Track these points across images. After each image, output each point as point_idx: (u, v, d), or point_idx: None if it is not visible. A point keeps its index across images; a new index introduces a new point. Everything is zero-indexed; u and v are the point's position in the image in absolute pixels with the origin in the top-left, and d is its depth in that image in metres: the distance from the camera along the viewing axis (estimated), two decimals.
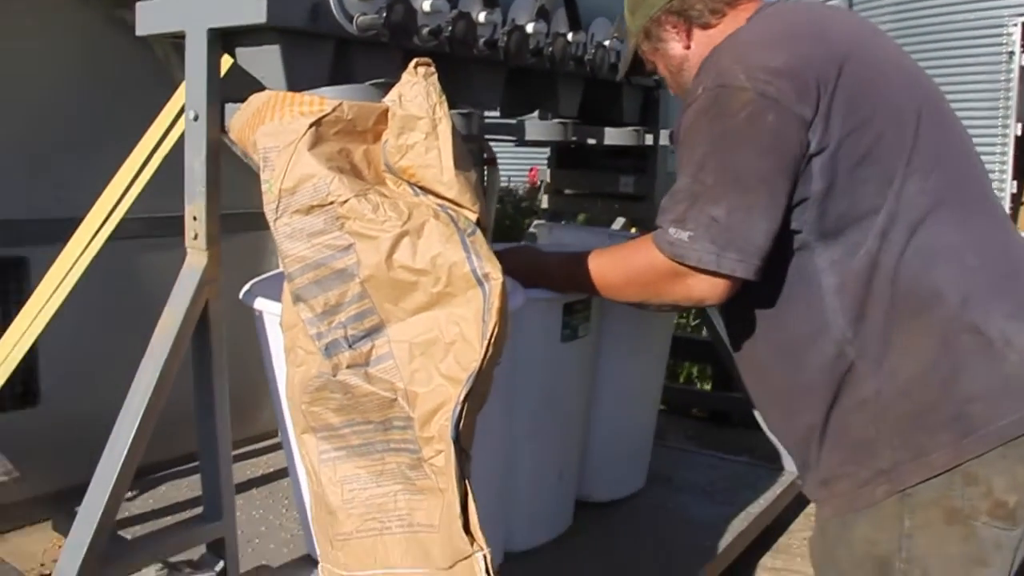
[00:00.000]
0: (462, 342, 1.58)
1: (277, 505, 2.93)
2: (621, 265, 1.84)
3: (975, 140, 1.78)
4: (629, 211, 3.81)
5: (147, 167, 2.17)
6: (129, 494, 2.63)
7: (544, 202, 4.06)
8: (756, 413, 3.18)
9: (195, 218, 1.94)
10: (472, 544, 1.50)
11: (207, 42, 1.89)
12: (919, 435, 1.58)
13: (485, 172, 3.33)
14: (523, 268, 2.14)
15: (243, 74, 1.97)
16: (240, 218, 2.64)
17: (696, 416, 4.55)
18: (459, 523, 1.51)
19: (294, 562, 2.56)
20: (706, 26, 1.83)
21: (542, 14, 2.52)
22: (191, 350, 1.98)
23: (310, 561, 2.49)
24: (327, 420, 1.65)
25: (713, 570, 2.72)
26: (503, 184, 8.31)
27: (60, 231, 2.31)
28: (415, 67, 1.72)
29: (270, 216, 1.66)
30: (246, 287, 2.25)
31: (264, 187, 1.67)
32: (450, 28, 2.18)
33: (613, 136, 3.15)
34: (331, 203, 1.62)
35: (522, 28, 2.44)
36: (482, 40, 2.31)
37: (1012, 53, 8.11)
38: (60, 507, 2.83)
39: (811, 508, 3.21)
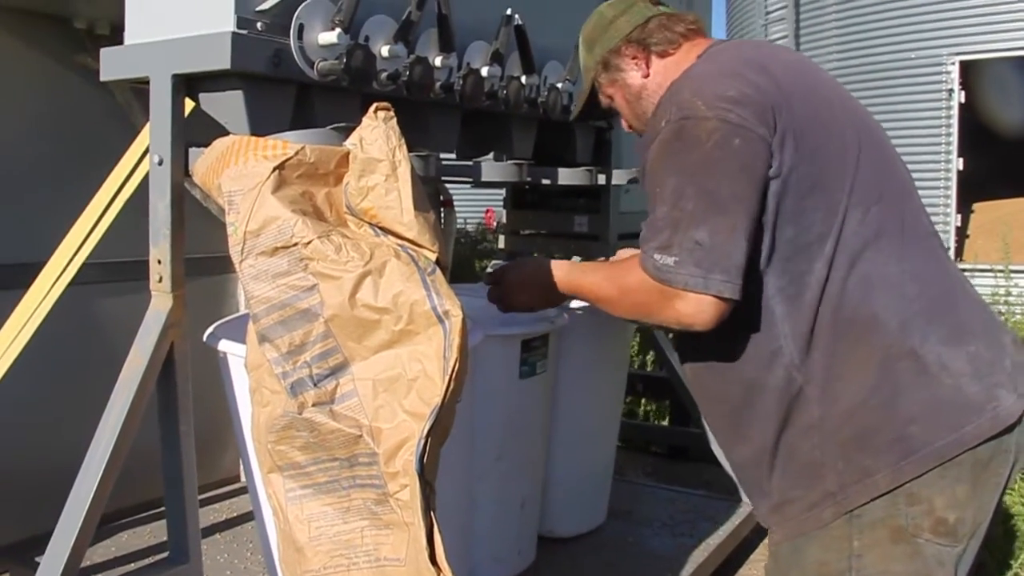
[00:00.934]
0: (424, 378, 1.61)
1: (242, 549, 2.92)
2: (616, 283, 1.83)
3: (919, 175, 1.85)
4: (584, 250, 3.87)
5: (109, 211, 2.18)
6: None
7: (501, 242, 4.11)
8: (713, 447, 3.22)
9: (159, 261, 1.96)
10: (439, 574, 1.52)
11: (171, 87, 1.93)
12: (863, 457, 1.63)
13: (442, 214, 3.37)
14: (528, 276, 2.13)
15: (206, 118, 2.01)
16: (201, 262, 2.65)
17: (654, 452, 4.59)
18: (425, 555, 1.53)
19: None
20: (663, 54, 1.91)
21: (496, 58, 2.58)
22: (156, 393, 1.99)
23: None
24: (293, 458, 1.68)
25: None
26: (459, 226, 8.36)
27: (23, 275, 2.31)
28: (375, 111, 1.76)
29: (235, 258, 1.69)
30: (209, 330, 2.27)
31: (229, 230, 1.70)
32: (408, 72, 2.23)
33: (567, 176, 3.21)
34: (295, 244, 1.65)
35: (477, 72, 2.50)
36: (439, 84, 2.36)
37: (951, 91, 8.36)
38: (18, 558, 2.79)
39: None
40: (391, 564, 1.60)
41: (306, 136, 1.86)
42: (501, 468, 2.63)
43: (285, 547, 1.71)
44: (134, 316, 2.00)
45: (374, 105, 1.77)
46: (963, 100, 8.38)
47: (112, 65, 2.06)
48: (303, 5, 2.00)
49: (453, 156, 2.87)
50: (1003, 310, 6.82)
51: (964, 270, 1.86)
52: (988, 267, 7.33)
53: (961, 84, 8.34)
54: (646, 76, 1.93)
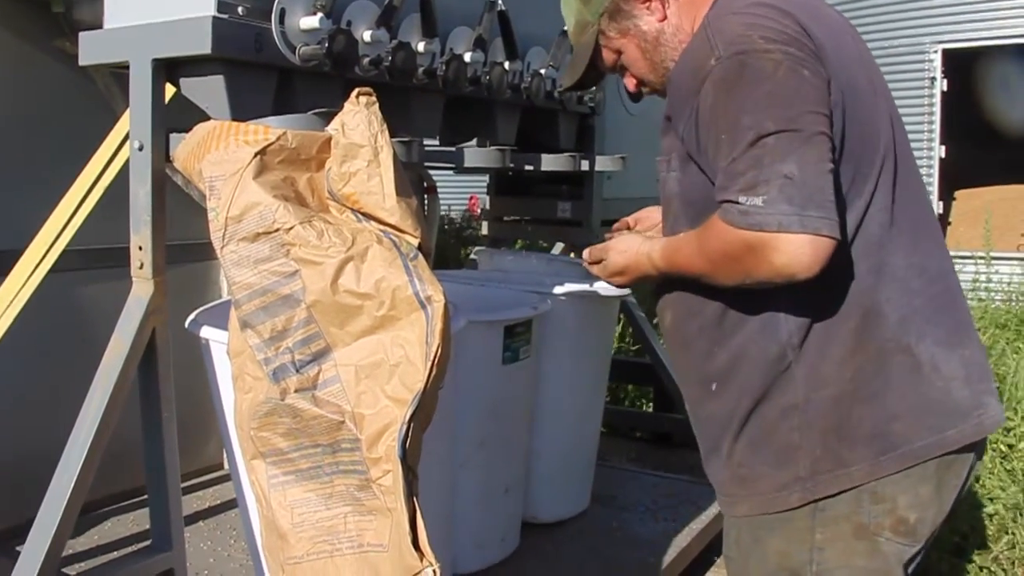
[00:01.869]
0: (407, 364, 1.61)
1: (225, 536, 2.92)
2: (705, 253, 1.61)
3: None
4: (567, 236, 3.88)
5: (89, 198, 2.17)
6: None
7: (484, 228, 4.11)
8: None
9: (140, 248, 1.95)
10: (422, 560, 1.52)
11: (151, 72, 1.92)
12: (840, 447, 1.60)
13: (426, 200, 3.37)
14: (629, 266, 1.85)
15: (187, 103, 1.99)
16: (182, 248, 2.64)
17: (638, 437, 4.60)
18: (408, 540, 1.54)
19: None
20: None
21: (480, 43, 2.57)
22: (138, 379, 1.99)
23: None
24: (276, 445, 1.67)
25: None
26: (443, 212, 8.35)
27: (2, 263, 2.30)
28: (357, 96, 1.76)
29: (217, 244, 1.68)
30: (191, 316, 2.26)
31: (211, 215, 1.69)
32: (390, 58, 2.22)
33: (550, 162, 3.21)
34: (276, 230, 1.65)
35: (460, 57, 2.49)
36: (421, 69, 2.35)
37: (934, 79, 8.39)
38: None
39: None
40: (374, 550, 1.60)
41: (288, 121, 1.85)
42: (484, 454, 2.63)
43: (268, 534, 1.71)
44: (115, 303, 1.99)
45: (356, 90, 1.76)
46: (945, 88, 8.41)
47: (91, 50, 2.05)
48: None
49: (436, 142, 2.86)
50: (983, 296, 6.85)
51: None
52: (970, 254, 7.36)
53: (943, 72, 8.36)
54: (662, 20, 1.76)
